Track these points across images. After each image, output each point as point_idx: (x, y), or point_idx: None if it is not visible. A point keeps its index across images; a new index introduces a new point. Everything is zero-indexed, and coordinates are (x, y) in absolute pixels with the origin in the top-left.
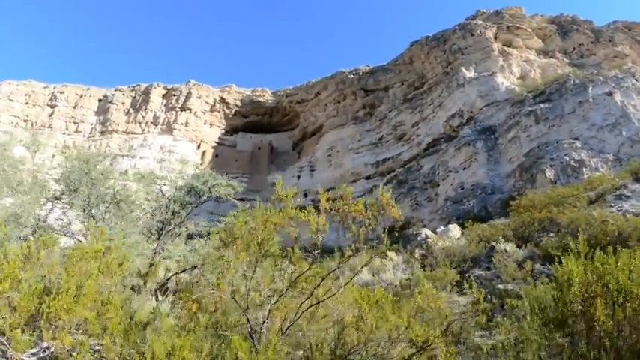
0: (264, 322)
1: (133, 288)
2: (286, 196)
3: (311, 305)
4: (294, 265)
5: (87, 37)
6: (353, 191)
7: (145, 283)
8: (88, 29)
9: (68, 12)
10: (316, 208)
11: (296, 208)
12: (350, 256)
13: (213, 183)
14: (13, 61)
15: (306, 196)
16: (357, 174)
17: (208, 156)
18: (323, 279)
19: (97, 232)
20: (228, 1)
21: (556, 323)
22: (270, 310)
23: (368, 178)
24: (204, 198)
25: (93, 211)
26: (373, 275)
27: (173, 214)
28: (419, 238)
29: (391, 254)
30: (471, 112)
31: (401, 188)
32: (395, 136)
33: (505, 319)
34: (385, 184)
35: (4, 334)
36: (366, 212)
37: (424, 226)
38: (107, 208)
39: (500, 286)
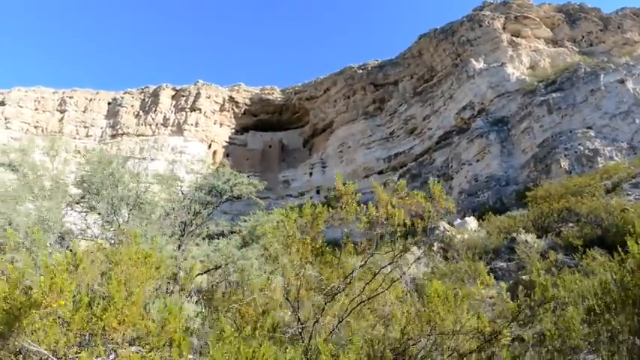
0: (316, 321)
1: (166, 292)
2: (348, 193)
3: (361, 302)
4: (347, 261)
5: (95, 42)
6: (366, 186)
7: (180, 286)
8: (96, 34)
9: (75, 17)
10: (329, 205)
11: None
12: (402, 252)
13: (235, 182)
14: (21, 67)
15: (318, 192)
16: (369, 169)
17: (219, 155)
18: (375, 275)
19: (130, 235)
20: (234, 0)
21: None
22: (324, 309)
23: (380, 172)
24: (225, 197)
25: (115, 214)
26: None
27: (194, 214)
28: (437, 232)
29: (412, 248)
30: (482, 103)
31: (414, 182)
32: (406, 130)
33: (539, 309)
34: (398, 179)
35: (59, 356)
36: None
37: (440, 219)
38: (130, 210)
39: (525, 277)
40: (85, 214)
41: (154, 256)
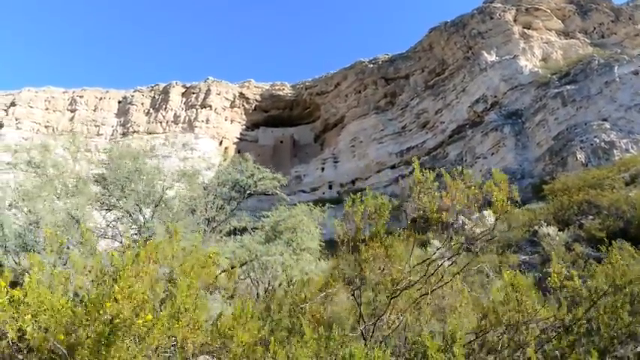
0: (380, 317)
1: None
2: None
3: (423, 294)
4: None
5: (104, 41)
6: (378, 181)
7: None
8: (105, 33)
9: (84, 17)
10: (340, 200)
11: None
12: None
13: (259, 176)
14: (31, 68)
15: (331, 187)
16: (381, 164)
17: (231, 152)
18: (437, 268)
19: (172, 232)
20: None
21: None
22: (390, 304)
23: (392, 167)
24: (248, 192)
25: (140, 211)
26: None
27: (218, 209)
28: (455, 226)
29: (434, 242)
30: (495, 96)
31: None
32: (418, 124)
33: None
34: (411, 173)
35: None
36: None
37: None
38: (155, 206)
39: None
40: (105, 212)
41: (218, 256)
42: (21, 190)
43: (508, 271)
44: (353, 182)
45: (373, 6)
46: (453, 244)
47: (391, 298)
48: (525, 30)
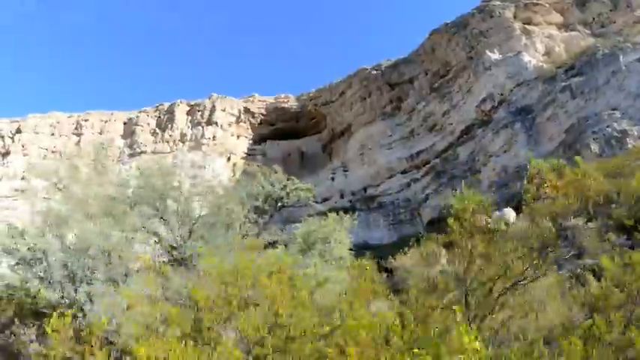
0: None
1: None
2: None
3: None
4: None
5: (106, 63)
6: (390, 187)
7: None
8: (107, 55)
9: (86, 40)
10: (353, 208)
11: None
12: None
13: (293, 187)
14: (36, 95)
15: (342, 196)
16: (391, 169)
17: (239, 168)
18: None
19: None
20: (240, 12)
21: None
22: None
23: (403, 172)
24: (280, 204)
25: (181, 229)
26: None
27: (251, 223)
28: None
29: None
30: (502, 94)
31: (441, 178)
32: (426, 127)
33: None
34: (423, 176)
35: None
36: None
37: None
38: (194, 224)
39: (589, 260)
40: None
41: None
42: (53, 214)
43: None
44: (364, 190)
45: (372, 12)
46: None
47: (499, 296)
48: (526, 26)
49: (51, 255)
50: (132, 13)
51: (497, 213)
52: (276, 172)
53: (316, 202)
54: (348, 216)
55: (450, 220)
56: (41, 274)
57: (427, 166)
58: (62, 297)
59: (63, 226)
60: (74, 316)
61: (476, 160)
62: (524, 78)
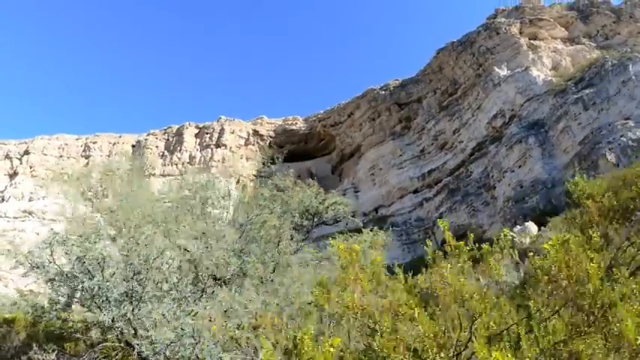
0: None
1: None
2: None
3: None
4: None
5: (115, 86)
6: (402, 207)
7: None
8: (115, 77)
9: (95, 63)
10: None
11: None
12: None
13: (332, 201)
14: (44, 117)
15: (354, 217)
16: (403, 189)
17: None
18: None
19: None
20: (247, 34)
21: None
22: None
23: (415, 192)
24: (317, 219)
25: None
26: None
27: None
28: (501, 242)
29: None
30: (512, 109)
31: (454, 196)
32: (437, 146)
33: None
34: (436, 195)
35: None
36: None
37: (484, 232)
38: (242, 237)
39: None
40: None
41: None
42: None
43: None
44: (376, 210)
45: (377, 34)
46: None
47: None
48: (532, 41)
49: (110, 266)
50: (140, 36)
51: (517, 227)
52: (311, 186)
53: (326, 224)
54: (381, 232)
55: (587, 201)
56: (87, 292)
57: (439, 184)
58: (113, 320)
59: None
60: (128, 344)
61: (490, 177)
62: (534, 92)
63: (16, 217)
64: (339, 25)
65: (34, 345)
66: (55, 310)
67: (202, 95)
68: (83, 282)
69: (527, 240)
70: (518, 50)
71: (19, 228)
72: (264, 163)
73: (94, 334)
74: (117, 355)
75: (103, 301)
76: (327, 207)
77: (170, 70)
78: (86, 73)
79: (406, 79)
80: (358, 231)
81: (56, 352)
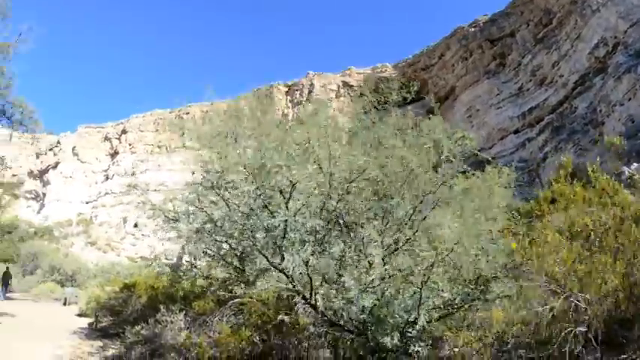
0: None
1: None
2: None
3: None
4: None
5: (204, 53)
6: (503, 149)
7: None
8: (206, 43)
9: (184, 33)
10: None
11: None
12: None
13: (459, 135)
14: (138, 96)
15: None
16: (503, 130)
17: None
18: None
19: None
20: None
21: None
22: None
23: (516, 132)
24: (446, 157)
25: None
26: None
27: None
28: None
29: None
30: (616, 37)
31: (559, 135)
32: (535, 82)
33: None
34: (539, 134)
35: None
36: None
37: (594, 172)
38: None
39: None
40: None
41: None
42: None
43: None
44: (475, 154)
45: None
46: None
47: None
48: None
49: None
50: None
51: (634, 165)
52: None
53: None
54: (507, 168)
55: None
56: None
57: (541, 123)
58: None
59: None
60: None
61: (597, 112)
62: (637, 17)
63: (122, 192)
64: None
65: (161, 307)
66: (195, 268)
67: (288, 53)
68: (256, 222)
69: None
70: None
71: (125, 201)
72: (365, 112)
73: (239, 289)
74: (251, 309)
75: (279, 245)
76: (456, 142)
77: (255, 33)
78: (173, 47)
79: (495, 13)
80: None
81: (184, 312)
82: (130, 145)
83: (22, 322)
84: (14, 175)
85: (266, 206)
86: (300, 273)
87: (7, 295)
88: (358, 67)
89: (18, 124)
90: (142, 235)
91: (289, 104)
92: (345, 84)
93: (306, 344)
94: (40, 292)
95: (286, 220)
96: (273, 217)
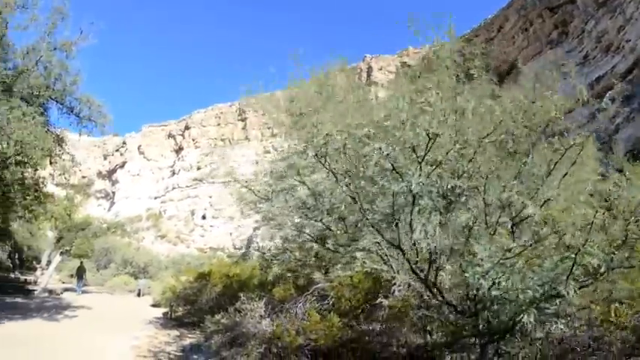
0: None
1: None
2: None
3: None
4: None
5: (263, 43)
6: (571, 121)
7: None
8: (260, 38)
9: (242, 25)
10: None
11: None
12: None
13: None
14: (201, 91)
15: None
16: (571, 102)
17: None
18: None
19: None
20: None
21: None
22: None
23: (584, 103)
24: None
25: None
26: None
27: None
28: None
29: None
30: None
31: (631, 104)
32: (601, 49)
33: None
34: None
35: None
36: None
37: None
38: None
39: None
40: None
41: None
42: None
43: None
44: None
45: None
46: None
47: None
48: None
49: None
50: None
51: None
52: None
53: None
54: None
55: None
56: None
57: (610, 92)
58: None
59: None
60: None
61: None
62: None
63: (188, 186)
64: None
65: (241, 295)
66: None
67: (343, 37)
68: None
69: None
70: None
71: (192, 195)
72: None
73: (319, 275)
74: (338, 293)
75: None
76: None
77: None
78: (234, 43)
79: None
80: None
81: (264, 299)
82: (193, 140)
83: (98, 314)
84: (84, 177)
85: (394, 169)
86: (426, 247)
87: (83, 288)
88: (415, 46)
89: (87, 120)
90: (210, 226)
91: (350, 89)
92: (404, 64)
93: (405, 329)
94: (114, 285)
95: (422, 183)
96: (402, 180)
